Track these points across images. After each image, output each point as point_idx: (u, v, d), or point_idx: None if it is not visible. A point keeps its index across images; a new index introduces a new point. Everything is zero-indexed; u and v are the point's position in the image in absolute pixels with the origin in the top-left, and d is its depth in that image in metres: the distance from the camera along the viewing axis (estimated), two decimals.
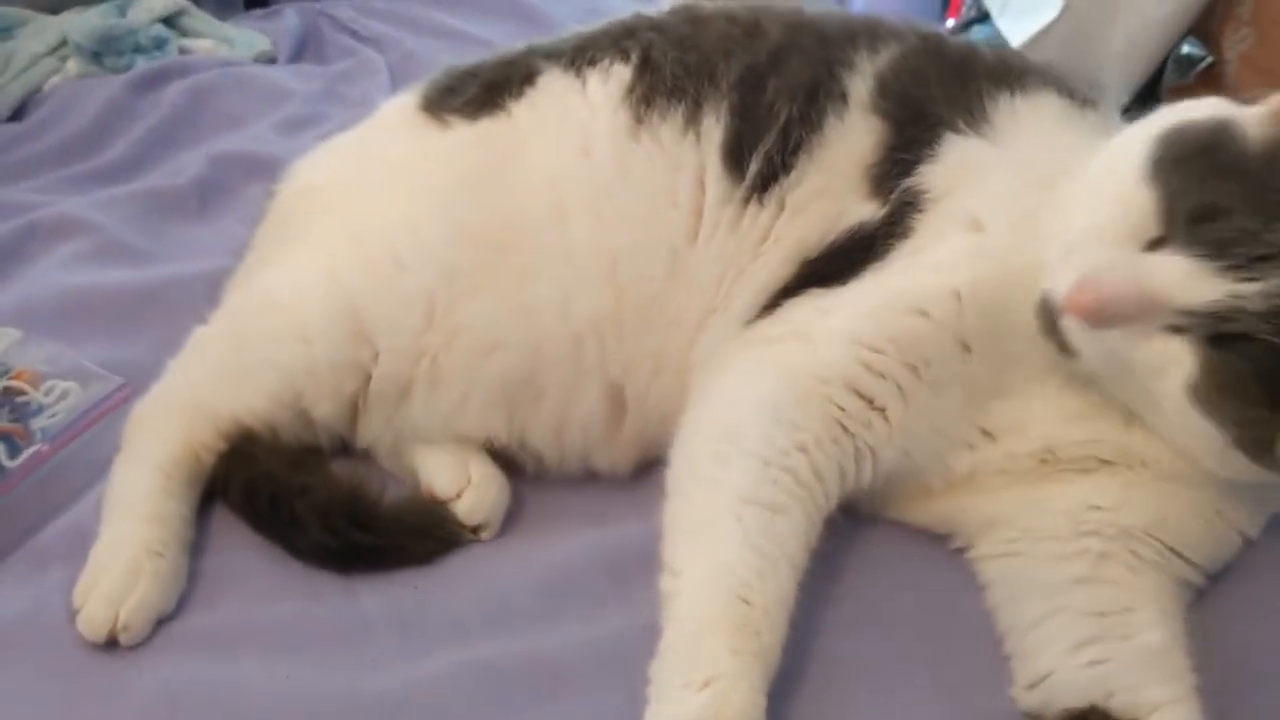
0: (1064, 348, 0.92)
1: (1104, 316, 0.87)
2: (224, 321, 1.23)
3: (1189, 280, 0.85)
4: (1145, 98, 2.14)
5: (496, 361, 1.12)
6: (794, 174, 1.08)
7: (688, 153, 1.11)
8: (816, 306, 1.03)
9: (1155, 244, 0.88)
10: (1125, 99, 2.13)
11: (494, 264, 1.12)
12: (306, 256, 1.19)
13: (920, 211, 1.04)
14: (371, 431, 1.17)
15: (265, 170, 1.69)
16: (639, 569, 1.02)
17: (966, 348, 0.99)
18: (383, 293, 1.14)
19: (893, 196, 1.05)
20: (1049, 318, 0.92)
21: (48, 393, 1.22)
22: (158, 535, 1.05)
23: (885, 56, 1.12)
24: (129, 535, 1.05)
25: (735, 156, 1.10)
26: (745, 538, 0.91)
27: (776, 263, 1.08)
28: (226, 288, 1.31)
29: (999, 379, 1.00)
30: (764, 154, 1.09)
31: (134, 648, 0.99)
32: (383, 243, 1.15)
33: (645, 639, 0.91)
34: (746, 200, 1.09)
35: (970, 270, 0.99)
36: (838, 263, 1.05)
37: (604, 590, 1.04)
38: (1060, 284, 0.89)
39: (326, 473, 1.14)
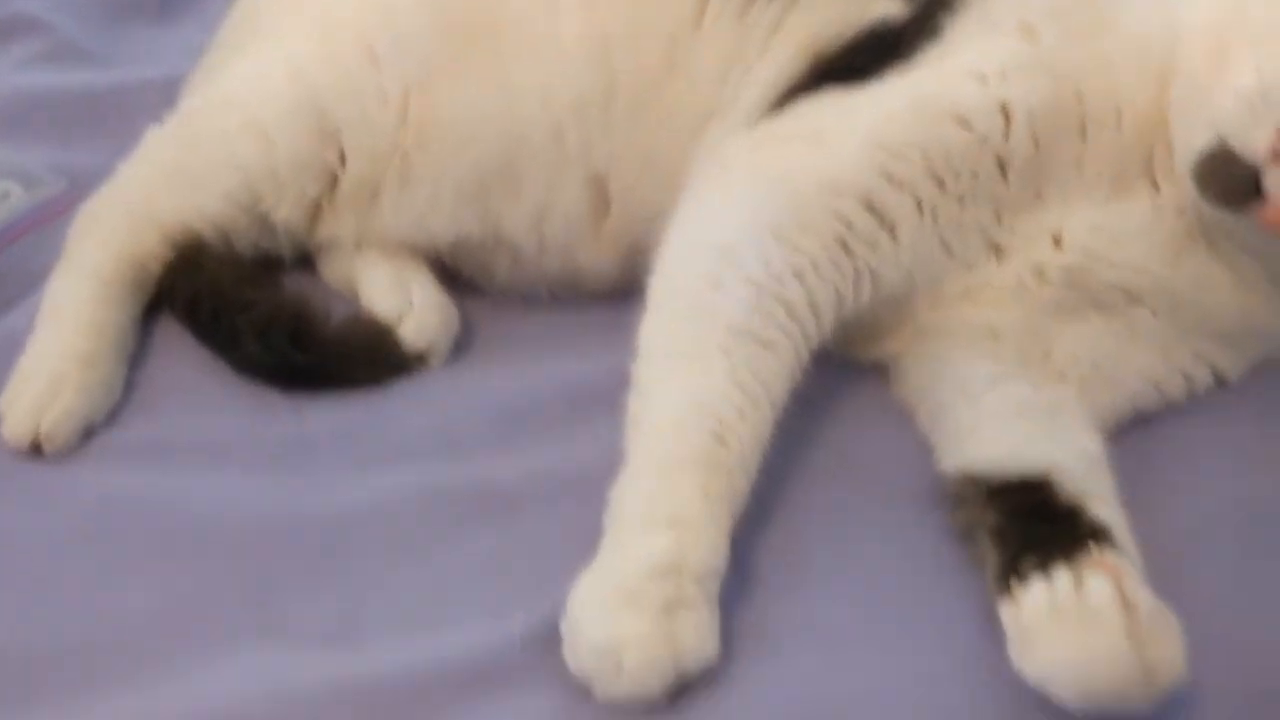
0: (1235, 203, 0.84)
1: None
2: (179, 122, 1.17)
3: None
4: None
5: (471, 153, 1.07)
6: None
7: None
8: (835, 106, 0.96)
9: None
10: None
11: (473, 53, 1.07)
12: (270, 53, 1.13)
13: (952, 11, 0.96)
14: (334, 233, 1.12)
15: None
16: (601, 401, 0.97)
17: (1004, 166, 0.92)
18: (353, 90, 1.09)
19: None
20: (1223, 171, 0.84)
21: None
22: (90, 344, 1.01)
23: None
24: (58, 343, 1.01)
25: None
26: (731, 373, 0.85)
27: (786, 58, 1.00)
28: (184, 90, 1.24)
29: (1030, 196, 0.94)
30: None
31: (64, 457, 0.96)
32: (355, 36, 1.10)
33: (605, 469, 0.86)
34: None
35: (1023, 85, 0.91)
36: (857, 60, 0.98)
37: (563, 420, 0.99)
38: (1259, 135, 0.81)
39: (273, 288, 1.10)
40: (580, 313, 1.12)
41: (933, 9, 0.97)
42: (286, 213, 1.10)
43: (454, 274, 1.15)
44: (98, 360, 1.00)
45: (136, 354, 1.05)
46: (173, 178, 1.12)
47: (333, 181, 1.09)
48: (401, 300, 1.07)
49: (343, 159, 1.09)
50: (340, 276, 1.14)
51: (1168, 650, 0.73)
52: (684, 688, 0.75)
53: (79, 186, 1.18)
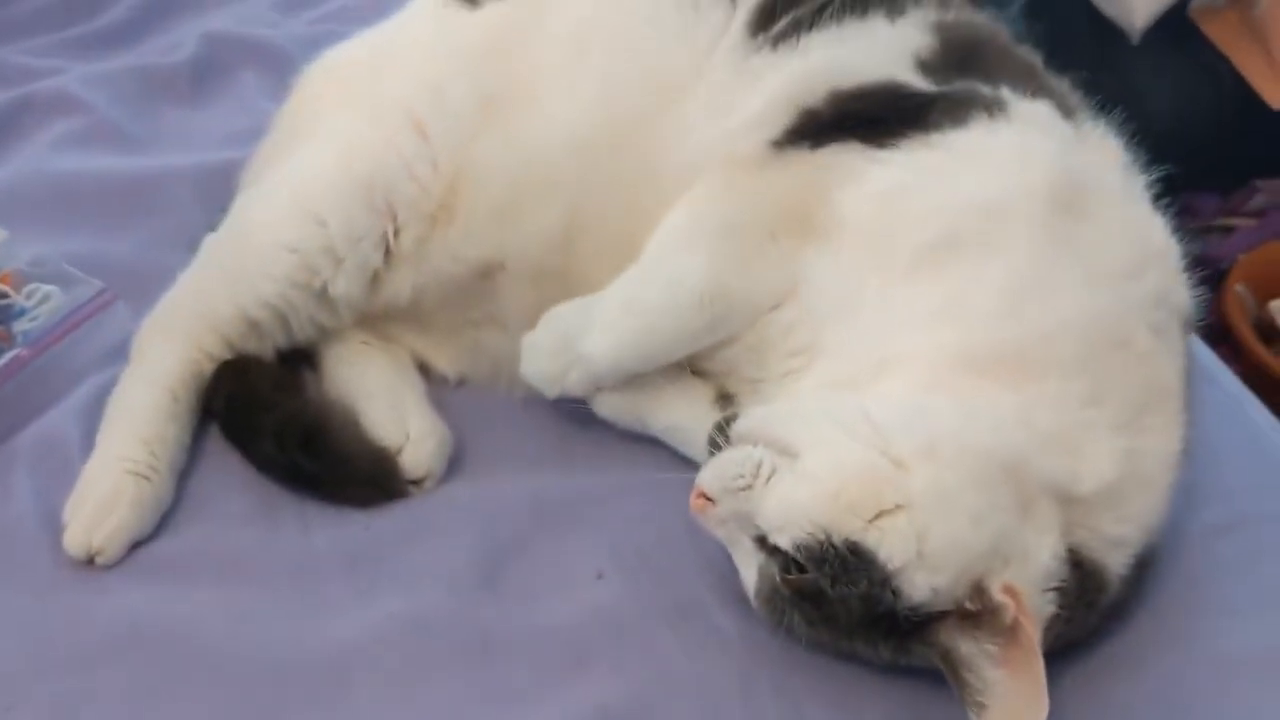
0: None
1: None
2: (231, 221, 1.24)
3: None
4: (1172, 21, 2.09)
5: (488, 191, 1.17)
6: (818, 32, 1.10)
7: (720, 13, 1.14)
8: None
9: None
10: (1152, 20, 2.08)
11: (502, 111, 1.17)
12: (319, 144, 1.21)
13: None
14: (392, 295, 1.20)
15: (259, 55, 1.69)
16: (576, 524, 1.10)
17: None
18: (405, 165, 1.17)
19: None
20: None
21: (29, 295, 1.23)
22: (148, 459, 1.08)
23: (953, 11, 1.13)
24: (119, 456, 1.08)
25: (765, 19, 1.12)
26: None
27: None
28: (238, 179, 1.32)
29: None
30: (793, 18, 1.11)
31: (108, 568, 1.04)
32: (405, 116, 1.18)
33: (576, 623, 0.99)
34: (759, 50, 1.12)
35: None
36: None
37: (543, 553, 1.08)
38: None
39: (303, 397, 1.17)
40: (565, 428, 1.19)
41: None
42: (345, 285, 1.17)
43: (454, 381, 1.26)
44: (153, 475, 1.08)
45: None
46: (229, 272, 1.18)
47: (388, 248, 1.18)
48: (398, 431, 1.15)
49: (396, 228, 1.17)
50: (339, 396, 1.20)
51: None
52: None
53: (115, 278, 1.26)
